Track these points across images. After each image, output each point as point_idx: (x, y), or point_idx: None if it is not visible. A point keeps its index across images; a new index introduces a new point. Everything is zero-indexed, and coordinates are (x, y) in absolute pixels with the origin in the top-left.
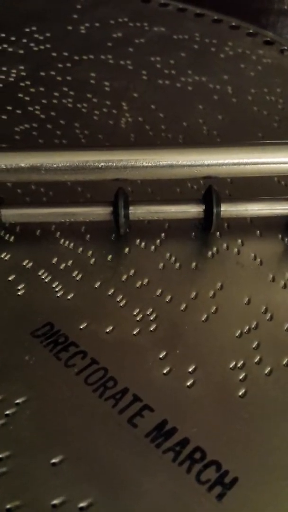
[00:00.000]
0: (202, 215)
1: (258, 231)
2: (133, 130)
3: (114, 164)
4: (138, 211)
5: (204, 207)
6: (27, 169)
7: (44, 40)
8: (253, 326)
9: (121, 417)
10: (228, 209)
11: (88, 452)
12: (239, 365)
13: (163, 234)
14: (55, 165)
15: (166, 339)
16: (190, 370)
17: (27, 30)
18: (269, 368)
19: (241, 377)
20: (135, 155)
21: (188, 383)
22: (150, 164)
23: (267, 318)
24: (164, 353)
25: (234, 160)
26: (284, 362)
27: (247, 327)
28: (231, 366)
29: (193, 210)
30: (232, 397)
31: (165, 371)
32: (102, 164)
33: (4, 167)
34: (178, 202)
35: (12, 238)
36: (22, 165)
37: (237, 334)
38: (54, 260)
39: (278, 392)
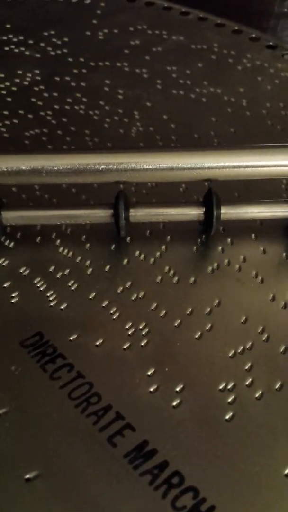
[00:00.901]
0: (202, 217)
1: (261, 248)
2: (143, 140)
3: (115, 166)
4: (139, 214)
5: (204, 210)
6: (28, 171)
7: (62, 45)
8: (247, 346)
9: (101, 435)
10: (228, 212)
11: (63, 469)
12: (229, 387)
13: (163, 247)
14: (56, 168)
15: (156, 356)
16: (177, 389)
17: (46, 34)
18: (260, 392)
19: (229, 400)
20: (135, 157)
21: (174, 403)
22: (150, 167)
23: (263, 338)
24: (153, 370)
25: (234, 163)
26: (277, 386)
27: (241, 347)
28: (220, 387)
29: (193, 212)
30: (218, 421)
31: (151, 389)
32: (102, 166)
33: (5, 169)
34: (178, 205)
35: (12, 244)
36: (23, 167)
37: (230, 354)
38: (52, 268)
39: (267, 418)
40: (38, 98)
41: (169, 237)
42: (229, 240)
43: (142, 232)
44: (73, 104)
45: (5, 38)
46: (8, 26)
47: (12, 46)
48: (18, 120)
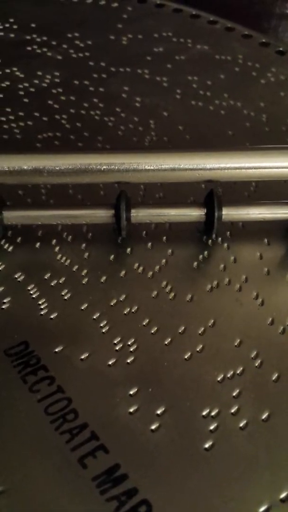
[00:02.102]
0: (203, 218)
1: (266, 269)
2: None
3: (116, 167)
4: (140, 214)
5: (205, 211)
6: (29, 171)
7: (84, 48)
8: (238, 371)
9: (73, 455)
10: (229, 213)
11: (29, 487)
12: (213, 414)
13: (164, 260)
14: (57, 168)
15: (140, 375)
16: (158, 412)
17: (69, 36)
18: (245, 421)
19: (212, 427)
20: (137, 158)
21: (153, 427)
22: (152, 168)
23: (256, 364)
24: (135, 389)
25: (236, 164)
26: (264, 417)
27: (232, 372)
28: (204, 413)
29: (195, 213)
30: (197, 449)
31: (131, 410)
32: (104, 167)
33: (7, 169)
34: (179, 205)
35: (10, 248)
36: (25, 167)
37: (218, 378)
38: (47, 275)
39: (248, 450)
40: (54, 101)
41: (170, 250)
42: (232, 257)
43: (143, 244)
44: (89, 109)
45: (28, 37)
46: (33, 25)
47: (35, 46)
48: (32, 122)
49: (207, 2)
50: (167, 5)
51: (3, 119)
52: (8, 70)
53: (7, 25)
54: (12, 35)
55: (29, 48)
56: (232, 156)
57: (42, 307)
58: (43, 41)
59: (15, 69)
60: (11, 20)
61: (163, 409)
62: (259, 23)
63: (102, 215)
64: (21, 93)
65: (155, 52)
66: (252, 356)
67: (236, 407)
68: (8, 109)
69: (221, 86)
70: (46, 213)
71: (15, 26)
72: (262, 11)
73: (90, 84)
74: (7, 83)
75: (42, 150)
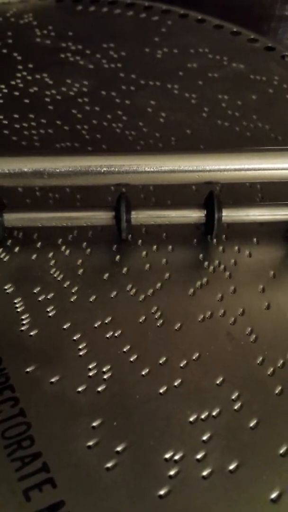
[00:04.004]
0: (203, 220)
1: (266, 303)
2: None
3: (116, 169)
4: (140, 216)
5: (205, 212)
6: (30, 173)
7: (117, 59)
8: (214, 413)
9: (19, 485)
10: (229, 214)
11: None
12: (176, 458)
13: (159, 284)
14: (57, 170)
15: (109, 406)
16: (118, 449)
17: (105, 46)
18: (209, 470)
19: (172, 473)
20: (137, 160)
21: (109, 464)
22: (152, 169)
23: (235, 407)
24: (99, 421)
25: (236, 166)
26: (231, 467)
27: (207, 413)
28: (167, 456)
29: (195, 215)
30: (150, 495)
31: (90, 443)
32: (104, 169)
33: (7, 171)
34: (179, 207)
35: (6, 258)
36: (25, 169)
37: (191, 419)
38: (37, 289)
39: (208, 502)
40: (78, 110)
41: (168, 274)
42: (232, 287)
43: (140, 265)
44: (111, 121)
45: (64, 45)
46: (70, 33)
47: (69, 54)
48: (53, 130)
49: (208, 4)
50: (208, 20)
51: (25, 125)
52: (38, 76)
53: (45, 31)
54: (48, 42)
55: (62, 56)
56: (231, 158)
57: (24, 322)
58: (77, 49)
59: (45, 75)
60: (50, 27)
61: (124, 446)
62: (258, 25)
63: (102, 217)
64: (47, 100)
65: (188, 68)
66: (233, 397)
67: (203, 453)
68: (31, 115)
69: (251, 107)
70: (46, 215)
71: (52, 34)
72: (261, 13)
73: (117, 95)
74: (35, 88)
75: (42, 152)
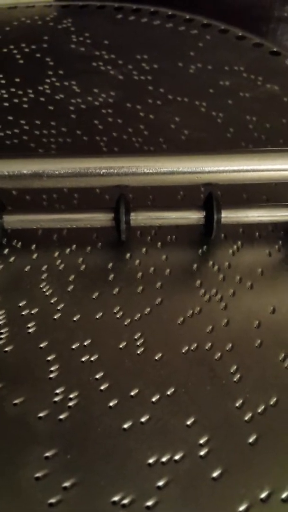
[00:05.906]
0: (202, 221)
1: (259, 340)
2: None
3: (115, 170)
4: (139, 217)
5: (204, 214)
6: (29, 175)
7: (148, 71)
8: (177, 457)
9: None
10: (228, 216)
11: None
12: (125, 502)
13: (148, 309)
14: (57, 172)
15: (67, 436)
16: (66, 484)
17: (138, 57)
18: None
19: None
20: (136, 162)
21: (53, 500)
22: (151, 171)
23: (202, 453)
24: (53, 452)
25: (234, 167)
26: None
27: (169, 456)
28: (115, 498)
29: (194, 216)
30: None
31: (39, 475)
32: (103, 171)
33: (7, 173)
34: (179, 209)
35: (0, 267)
36: (24, 171)
37: (150, 461)
38: (22, 303)
39: None
40: (101, 121)
41: (160, 299)
42: (225, 320)
43: (134, 286)
44: (132, 135)
45: (97, 53)
46: (106, 42)
47: (100, 63)
48: (71, 140)
49: (203, 5)
50: (248, 37)
51: (45, 132)
52: (66, 83)
53: (81, 38)
54: (82, 49)
55: (94, 64)
56: (230, 159)
57: (2, 336)
58: (110, 59)
59: (73, 82)
60: (87, 34)
61: (73, 482)
62: (258, 26)
63: (101, 218)
64: (71, 108)
65: (220, 85)
66: (201, 442)
67: (154, 501)
68: (53, 123)
69: (280, 131)
70: (45, 217)
71: (88, 41)
72: (260, 14)
73: (142, 109)
74: (62, 96)
75: (42, 154)
